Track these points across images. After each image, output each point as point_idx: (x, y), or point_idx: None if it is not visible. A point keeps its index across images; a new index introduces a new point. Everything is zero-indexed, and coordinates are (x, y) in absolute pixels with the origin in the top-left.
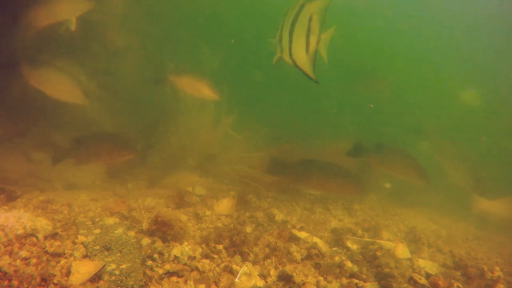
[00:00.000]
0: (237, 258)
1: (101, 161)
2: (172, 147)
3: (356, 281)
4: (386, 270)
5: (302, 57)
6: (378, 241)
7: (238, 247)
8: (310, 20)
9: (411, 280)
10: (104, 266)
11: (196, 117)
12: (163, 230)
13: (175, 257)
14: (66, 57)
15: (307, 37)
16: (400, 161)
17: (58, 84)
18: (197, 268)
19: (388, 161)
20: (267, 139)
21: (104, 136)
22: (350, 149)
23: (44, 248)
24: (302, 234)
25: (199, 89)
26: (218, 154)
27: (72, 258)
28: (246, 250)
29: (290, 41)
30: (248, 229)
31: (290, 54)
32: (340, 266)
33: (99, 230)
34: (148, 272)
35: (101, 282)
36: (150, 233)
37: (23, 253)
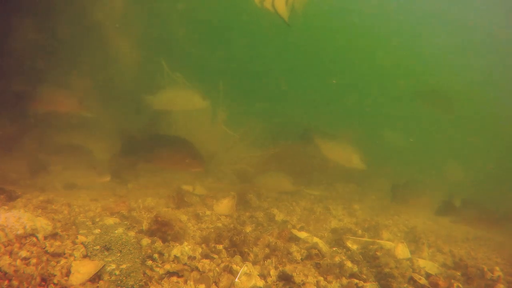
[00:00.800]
0: (237, 258)
1: (171, 166)
2: None
3: (356, 281)
4: (386, 270)
5: (282, 7)
6: (378, 241)
7: (238, 247)
8: None
9: (411, 280)
10: (104, 266)
11: (195, 116)
12: (163, 230)
13: (175, 257)
14: None
15: None
16: (486, 218)
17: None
18: (197, 268)
19: (480, 217)
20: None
21: (177, 140)
22: (441, 206)
23: (44, 248)
24: (302, 234)
25: (346, 158)
26: (217, 153)
27: (72, 258)
28: (246, 250)
29: None
30: (248, 229)
31: (273, 3)
32: (340, 266)
33: (99, 230)
34: (148, 272)
35: (101, 282)
36: (150, 233)
37: (23, 253)
